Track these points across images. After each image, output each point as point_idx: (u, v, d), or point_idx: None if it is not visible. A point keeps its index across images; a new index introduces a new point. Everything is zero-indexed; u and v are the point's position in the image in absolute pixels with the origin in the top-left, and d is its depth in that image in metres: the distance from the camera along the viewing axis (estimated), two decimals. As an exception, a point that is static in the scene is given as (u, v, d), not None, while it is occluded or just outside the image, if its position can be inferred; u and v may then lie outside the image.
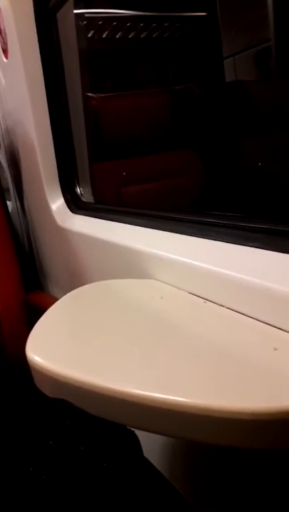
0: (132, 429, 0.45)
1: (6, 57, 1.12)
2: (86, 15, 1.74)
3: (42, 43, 1.01)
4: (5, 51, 1.11)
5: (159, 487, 0.41)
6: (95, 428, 0.42)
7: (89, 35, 1.86)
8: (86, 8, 1.76)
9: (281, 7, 1.52)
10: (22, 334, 0.57)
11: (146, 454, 0.43)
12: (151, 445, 0.54)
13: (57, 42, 1.03)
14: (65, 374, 0.45)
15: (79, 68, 1.09)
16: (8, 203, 1.35)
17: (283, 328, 0.47)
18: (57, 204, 1.09)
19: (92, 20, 1.81)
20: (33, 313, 1.11)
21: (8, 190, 1.43)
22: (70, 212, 1.06)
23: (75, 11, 1.07)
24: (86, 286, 0.71)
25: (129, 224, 0.83)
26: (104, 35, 1.91)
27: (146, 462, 0.43)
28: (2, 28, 1.08)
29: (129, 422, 0.44)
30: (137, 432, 0.44)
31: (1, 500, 0.34)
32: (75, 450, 0.38)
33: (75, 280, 1.04)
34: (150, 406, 0.40)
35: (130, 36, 1.92)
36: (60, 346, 0.52)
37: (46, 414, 0.43)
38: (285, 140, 1.34)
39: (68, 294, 0.67)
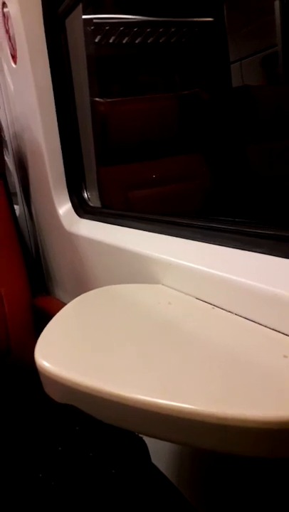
0: (141, 435, 0.45)
1: (15, 63, 1.13)
2: (94, 20, 1.75)
3: (51, 49, 1.02)
4: (14, 57, 1.12)
5: (166, 493, 0.41)
6: (103, 434, 0.42)
7: (96, 40, 1.87)
8: (94, 14, 1.77)
9: (288, 12, 1.52)
10: (29, 338, 0.57)
11: (154, 460, 0.43)
12: (160, 451, 0.54)
13: (65, 48, 1.04)
14: (74, 380, 0.45)
15: (87, 73, 1.10)
16: (15, 207, 1.35)
17: (292, 335, 0.47)
18: (64, 208, 1.09)
19: (99, 25, 1.82)
20: (40, 317, 1.12)
21: (15, 194, 1.44)
22: (77, 217, 1.06)
23: (84, 17, 1.08)
24: (93, 291, 0.71)
25: (136, 229, 0.83)
26: (111, 41, 1.92)
27: (154, 468, 0.43)
28: (11, 34, 1.09)
29: (137, 429, 0.44)
30: (145, 438, 0.44)
31: (11, 506, 0.34)
32: (84, 456, 0.39)
33: (82, 284, 1.04)
34: (158, 413, 0.40)
35: (137, 41, 1.92)
36: (68, 352, 0.52)
37: (54, 419, 0.44)
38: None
39: (76, 298, 0.67)
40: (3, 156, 1.24)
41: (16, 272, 1.17)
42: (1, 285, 1.13)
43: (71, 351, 0.52)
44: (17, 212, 1.38)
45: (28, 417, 0.48)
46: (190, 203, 1.35)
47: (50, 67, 1.02)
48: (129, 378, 0.45)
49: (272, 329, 0.49)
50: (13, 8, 1.05)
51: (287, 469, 0.52)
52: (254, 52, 1.75)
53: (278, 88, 1.59)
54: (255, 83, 1.67)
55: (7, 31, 1.12)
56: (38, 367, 0.48)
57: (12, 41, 1.10)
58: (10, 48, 1.13)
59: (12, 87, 1.22)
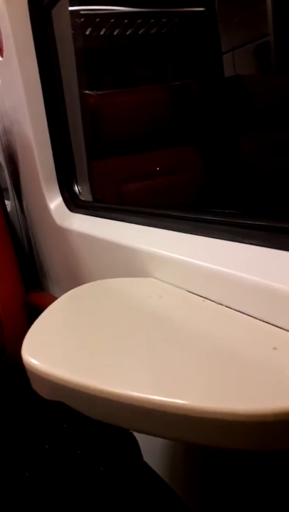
0: (131, 432, 0.44)
1: (2, 56, 1.11)
2: (82, 12, 1.73)
3: (37, 41, 1.00)
4: (0, 50, 1.10)
5: (158, 491, 0.41)
6: (92, 431, 0.42)
7: (86, 33, 1.85)
8: (84, 5, 1.75)
9: (280, 1, 1.51)
10: (22, 334, 0.57)
11: (145, 457, 0.43)
12: (151, 448, 0.53)
13: (52, 39, 1.02)
14: (62, 376, 0.44)
15: (75, 65, 1.08)
16: (6, 202, 1.34)
17: (283, 326, 0.46)
18: (55, 203, 1.08)
19: (89, 17, 1.80)
20: (34, 313, 1.11)
21: (6, 189, 1.43)
22: (69, 211, 1.05)
23: (71, 8, 1.06)
24: (84, 285, 0.70)
25: (128, 222, 0.82)
26: (101, 33, 1.90)
27: (145, 466, 0.42)
28: (-3, 26, 1.07)
29: (127, 425, 0.43)
30: (137, 435, 0.43)
31: (-4, 506, 0.33)
32: (72, 454, 0.38)
33: (75, 279, 1.03)
34: (149, 408, 0.39)
35: (128, 33, 1.90)
36: (56, 348, 0.51)
37: (43, 417, 0.43)
38: (286, 135, 1.33)
39: (66, 294, 0.66)
40: (-8, 151, 1.23)
41: (8, 268, 1.16)
42: (-6, 282, 1.12)
43: (59, 347, 0.52)
44: (8, 208, 1.37)
45: (17, 415, 0.47)
46: (183, 196, 1.34)
47: (38, 59, 1.01)
48: (119, 373, 0.44)
49: (263, 321, 0.48)
50: (-2, 0, 1.03)
51: (280, 463, 0.51)
52: (246, 42, 1.73)
53: (271, 77, 1.58)
54: (247, 73, 1.66)
55: (-7, 24, 1.10)
56: (25, 364, 0.48)
57: (-2, 33, 1.08)
58: (-4, 41, 1.12)
59: (0, 80, 1.20)
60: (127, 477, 0.38)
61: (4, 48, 1.07)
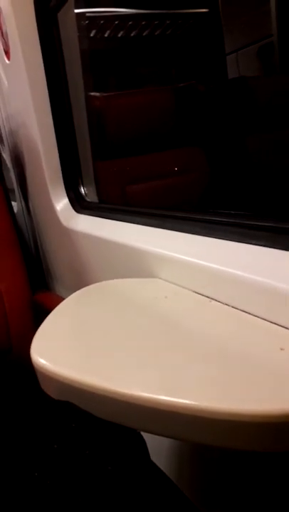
0: (139, 432, 0.44)
1: (9, 59, 1.12)
2: (88, 14, 1.73)
3: (43, 44, 1.01)
4: (7, 53, 1.11)
5: (165, 491, 0.41)
6: (100, 431, 0.42)
7: (91, 35, 1.85)
8: (88, 8, 1.75)
9: (284, 2, 1.50)
10: (29, 334, 0.57)
11: (152, 456, 0.43)
12: (159, 448, 0.53)
13: (58, 42, 1.03)
14: (70, 376, 0.45)
15: (81, 67, 1.09)
16: (13, 203, 1.35)
17: (289, 327, 0.46)
18: (61, 204, 1.09)
19: (93, 19, 1.80)
20: (40, 313, 1.11)
21: (13, 191, 1.43)
22: (75, 212, 1.06)
23: (76, 11, 1.07)
24: (90, 286, 0.71)
25: (134, 223, 0.83)
26: (106, 35, 1.91)
27: (153, 465, 0.42)
28: (4, 29, 1.08)
29: (135, 425, 0.43)
30: (144, 434, 0.44)
31: (6, 505, 0.34)
32: (80, 454, 0.38)
33: (81, 280, 1.03)
34: (156, 408, 0.39)
35: (132, 35, 1.91)
36: (65, 348, 0.52)
37: (51, 416, 0.43)
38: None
39: (73, 294, 0.67)
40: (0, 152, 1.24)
41: (15, 268, 1.17)
42: (1, 282, 1.13)
43: (67, 347, 0.52)
44: (15, 209, 1.38)
45: (25, 414, 0.47)
46: (188, 197, 1.34)
47: (44, 62, 1.01)
48: (127, 374, 0.45)
49: (270, 321, 0.48)
50: (4, 3, 1.04)
51: (287, 463, 0.51)
52: (250, 43, 1.73)
53: (276, 78, 1.58)
54: (251, 74, 1.66)
55: (-1, 27, 1.11)
56: (34, 364, 0.48)
57: (4, 37, 1.09)
58: (3, 44, 1.12)
59: (6, 83, 1.21)
60: (134, 476, 0.38)
61: (11, 51, 1.08)
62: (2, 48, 1.14)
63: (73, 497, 0.34)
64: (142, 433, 0.44)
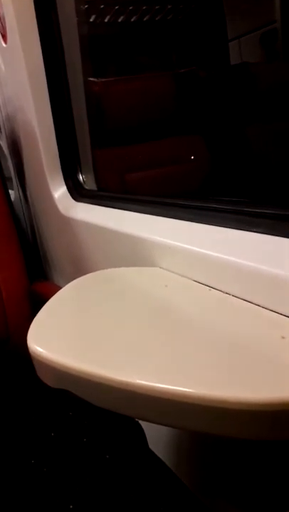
0: (137, 420, 0.44)
1: (5, 42, 1.10)
2: (87, -2, 1.70)
3: (41, 27, 0.99)
4: (4, 36, 1.09)
5: (164, 479, 0.41)
6: (98, 419, 0.41)
7: (90, 20, 1.82)
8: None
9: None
10: (26, 324, 0.57)
11: (151, 445, 0.42)
12: (157, 437, 0.53)
13: (57, 25, 1.01)
14: (68, 364, 0.44)
15: (80, 52, 1.07)
16: (10, 192, 1.33)
17: (290, 315, 0.46)
18: (59, 192, 1.07)
19: (93, 4, 1.77)
20: (38, 302, 1.11)
21: (10, 179, 1.42)
22: (73, 201, 1.05)
23: (75, -6, 1.04)
24: (89, 275, 0.70)
25: (133, 211, 0.82)
26: (106, 20, 1.88)
27: (151, 454, 0.42)
28: (1, 12, 1.06)
29: (133, 413, 0.43)
30: (142, 423, 0.43)
31: (2, 493, 0.33)
32: (78, 442, 0.38)
33: (80, 269, 1.03)
34: (154, 396, 0.39)
35: (133, 20, 1.88)
36: (62, 336, 0.51)
37: (48, 405, 0.43)
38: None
39: (71, 283, 0.66)
40: (-4, 139, 1.22)
41: (12, 258, 1.16)
42: (-2, 271, 1.12)
43: (65, 335, 0.51)
44: (12, 198, 1.37)
45: (22, 403, 0.47)
46: (188, 185, 1.33)
47: (42, 46, 1.00)
48: (125, 362, 0.44)
49: (271, 310, 0.48)
50: (1, -15, 1.02)
51: (285, 451, 0.51)
52: (253, 29, 1.70)
53: (279, 65, 1.55)
54: (254, 60, 1.63)
55: (-4, 9, 1.09)
56: (31, 352, 0.47)
57: (2, 20, 1.07)
58: (0, 27, 1.10)
59: (3, 67, 1.19)
60: (132, 465, 0.38)
61: (8, 34, 1.06)
62: (-1, 31, 1.12)
63: (70, 485, 0.34)
64: (140, 421, 0.44)
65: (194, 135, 1.38)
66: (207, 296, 0.55)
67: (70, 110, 1.06)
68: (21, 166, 1.29)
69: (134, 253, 0.74)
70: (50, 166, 1.08)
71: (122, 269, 0.72)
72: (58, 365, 0.45)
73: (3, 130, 1.36)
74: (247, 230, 0.55)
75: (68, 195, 1.06)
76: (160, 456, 0.42)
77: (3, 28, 1.07)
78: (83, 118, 1.09)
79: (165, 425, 0.43)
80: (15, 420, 0.42)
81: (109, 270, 0.72)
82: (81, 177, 1.09)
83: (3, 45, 1.11)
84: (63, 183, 1.08)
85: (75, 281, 0.67)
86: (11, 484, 0.34)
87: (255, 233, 0.54)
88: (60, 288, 0.64)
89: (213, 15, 1.73)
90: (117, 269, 0.72)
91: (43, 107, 1.03)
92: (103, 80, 1.31)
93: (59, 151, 1.06)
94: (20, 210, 1.41)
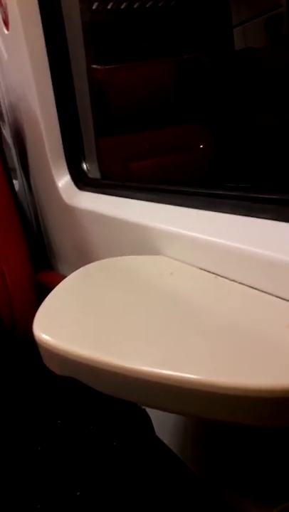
0: (143, 407, 0.44)
1: (7, 29, 1.08)
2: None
3: (44, 14, 0.97)
4: (6, 23, 1.08)
5: (170, 466, 0.41)
6: (104, 406, 0.41)
7: (93, 7, 1.80)
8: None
9: None
10: (32, 313, 0.57)
11: (157, 432, 0.43)
12: (163, 423, 0.53)
13: (59, 12, 0.99)
14: (74, 351, 0.44)
15: (83, 39, 1.06)
16: (14, 181, 1.33)
17: (298, 302, 0.45)
18: (63, 181, 1.07)
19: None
20: (43, 292, 1.11)
21: (14, 169, 1.41)
22: (77, 189, 1.04)
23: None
24: (94, 263, 0.70)
25: (137, 199, 0.81)
26: (108, 6, 1.86)
27: (158, 441, 0.42)
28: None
29: (139, 400, 0.43)
30: (149, 410, 0.43)
31: (9, 479, 0.34)
32: (84, 429, 0.38)
33: (84, 258, 1.02)
34: (160, 383, 0.39)
35: (135, 6, 1.86)
36: (68, 324, 0.51)
37: (55, 392, 0.43)
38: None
39: (76, 271, 0.66)
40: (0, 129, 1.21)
41: (17, 247, 1.16)
42: (3, 261, 1.12)
43: (70, 323, 0.51)
44: (16, 187, 1.36)
45: (29, 391, 0.47)
46: (193, 172, 1.31)
47: (44, 32, 0.98)
48: (130, 349, 0.44)
49: (277, 297, 0.47)
50: None
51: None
52: (257, 14, 1.67)
53: (285, 50, 1.53)
54: (258, 46, 1.61)
55: (-2, -4, 1.07)
56: (37, 339, 0.47)
57: (3, 6, 1.06)
58: (1, 14, 1.09)
59: (5, 54, 1.18)
60: (139, 452, 0.38)
61: (10, 21, 1.05)
62: (1, 17, 1.10)
63: (77, 472, 0.34)
64: (147, 409, 0.44)
65: (198, 123, 1.37)
66: (213, 284, 0.55)
67: (74, 98, 1.05)
68: (25, 156, 1.28)
69: (138, 241, 0.74)
70: (53, 155, 1.07)
71: (127, 257, 0.72)
72: (64, 352, 0.45)
73: (6, 119, 1.35)
74: (253, 216, 0.55)
75: (72, 184, 1.06)
76: (167, 442, 0.42)
77: (5, 13, 1.06)
78: (87, 106, 1.07)
79: (170, 412, 0.43)
80: (21, 408, 0.42)
81: (114, 259, 0.72)
82: (85, 166, 1.08)
83: (6, 32, 1.10)
84: (67, 172, 1.07)
85: (80, 269, 0.67)
86: (18, 471, 0.34)
87: (262, 219, 0.53)
88: (64, 277, 0.64)
89: (217, 0, 1.70)
90: (121, 257, 0.72)
91: (46, 94, 1.02)
92: (106, 67, 1.29)
93: (62, 139, 1.05)
94: (25, 200, 1.41)
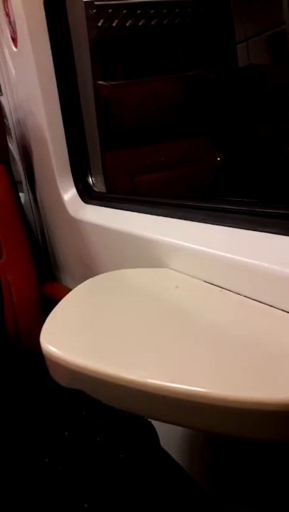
0: (149, 419, 0.44)
1: (16, 46, 1.11)
2: (96, 3, 1.72)
3: (52, 32, 1.00)
4: (14, 40, 1.10)
5: (177, 478, 0.41)
6: (111, 419, 0.41)
7: (99, 24, 1.84)
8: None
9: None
10: (37, 326, 0.57)
11: (163, 444, 0.43)
12: (169, 436, 0.53)
13: (67, 30, 1.01)
14: (80, 364, 0.44)
15: (89, 57, 1.08)
16: (20, 194, 1.34)
17: (303, 316, 0.46)
18: (69, 195, 1.08)
19: (101, 8, 1.78)
20: (48, 304, 1.11)
21: (20, 182, 1.43)
22: (83, 203, 1.05)
23: (85, -1, 1.05)
24: (100, 276, 0.70)
25: (142, 213, 0.82)
26: (114, 24, 1.89)
27: (164, 453, 0.42)
28: (12, 17, 1.07)
29: (145, 413, 0.43)
30: (155, 422, 0.43)
31: (16, 491, 0.34)
32: (91, 441, 0.38)
33: (89, 271, 1.03)
34: (167, 396, 0.39)
35: (141, 24, 1.89)
36: (74, 336, 0.52)
37: (61, 404, 0.43)
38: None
39: (82, 284, 0.66)
40: (6, 143, 1.23)
41: (23, 260, 1.17)
42: (9, 273, 1.13)
43: (77, 336, 0.52)
44: (22, 200, 1.38)
45: (36, 403, 0.47)
46: (197, 188, 1.32)
47: (52, 50, 1.00)
48: (137, 362, 0.44)
49: (283, 310, 0.48)
50: (12, -10, 1.03)
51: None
52: (261, 31, 1.70)
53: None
54: (262, 62, 1.63)
55: (7, 14, 1.10)
56: (44, 352, 0.48)
57: (12, 24, 1.08)
58: (10, 32, 1.11)
59: (13, 71, 1.20)
60: (146, 464, 0.38)
61: (18, 39, 1.07)
62: (10, 35, 1.13)
63: (85, 483, 0.34)
64: (152, 421, 0.44)
65: (203, 136, 1.38)
66: (219, 297, 0.55)
67: (80, 113, 1.06)
68: (31, 169, 1.30)
69: (144, 254, 0.74)
70: (60, 169, 1.08)
71: (132, 270, 0.72)
72: (71, 364, 0.45)
73: (13, 135, 1.37)
74: (259, 231, 0.55)
75: (78, 197, 1.07)
76: (172, 455, 0.42)
77: (14, 32, 1.08)
78: (93, 121, 1.09)
79: (177, 425, 0.43)
80: (29, 420, 0.42)
81: (119, 271, 0.72)
82: (91, 179, 1.09)
83: (14, 49, 1.12)
84: (73, 185, 1.08)
85: (86, 282, 0.67)
86: (26, 483, 0.34)
87: (267, 233, 0.54)
88: (70, 290, 0.64)
89: (221, 18, 1.73)
90: (127, 270, 0.72)
91: (53, 110, 1.04)
92: (112, 83, 1.31)
93: (69, 154, 1.07)
94: (31, 213, 1.42)
